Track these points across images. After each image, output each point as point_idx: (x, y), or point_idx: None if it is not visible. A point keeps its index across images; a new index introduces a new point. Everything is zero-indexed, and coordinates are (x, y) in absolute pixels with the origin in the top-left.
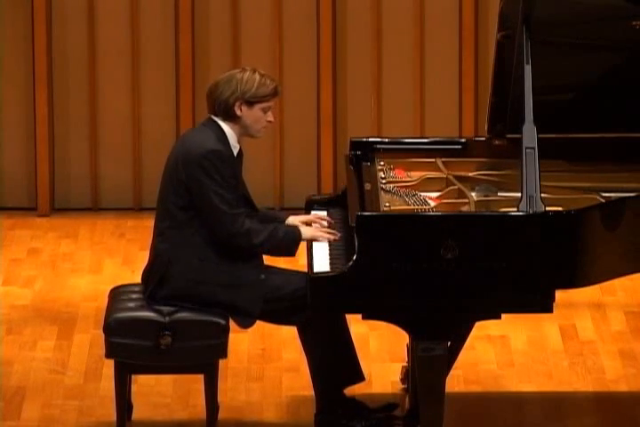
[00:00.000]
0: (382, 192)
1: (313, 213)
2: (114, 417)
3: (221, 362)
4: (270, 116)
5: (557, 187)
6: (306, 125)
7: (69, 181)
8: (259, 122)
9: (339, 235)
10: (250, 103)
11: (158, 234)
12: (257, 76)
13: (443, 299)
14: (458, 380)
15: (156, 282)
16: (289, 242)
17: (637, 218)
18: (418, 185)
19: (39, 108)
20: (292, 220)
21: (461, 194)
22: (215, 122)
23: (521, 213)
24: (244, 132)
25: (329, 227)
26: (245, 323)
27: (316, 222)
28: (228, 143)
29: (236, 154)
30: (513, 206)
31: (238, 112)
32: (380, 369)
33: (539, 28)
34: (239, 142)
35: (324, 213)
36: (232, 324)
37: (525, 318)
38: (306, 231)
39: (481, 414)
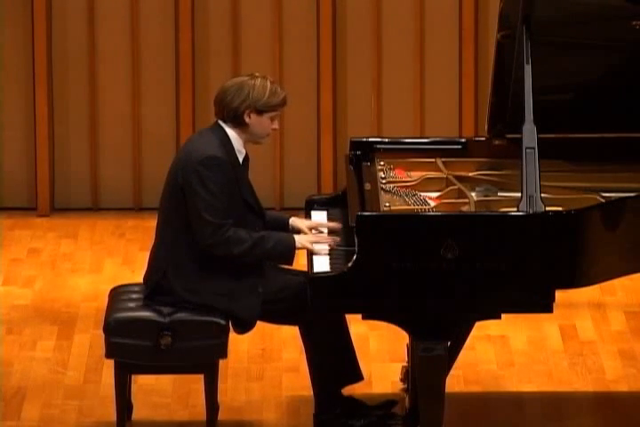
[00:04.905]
0: (382, 192)
1: (313, 213)
2: (114, 417)
3: (221, 362)
4: (276, 124)
5: (557, 187)
6: (306, 125)
7: (69, 181)
8: (265, 130)
9: (338, 240)
10: (260, 112)
11: (158, 238)
12: (268, 85)
13: (443, 299)
14: (458, 380)
15: (153, 288)
16: (280, 252)
17: (637, 218)
18: (418, 185)
19: (39, 108)
20: (296, 222)
21: (461, 194)
22: (222, 127)
23: (521, 213)
24: (250, 139)
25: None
26: (241, 330)
27: (317, 228)
28: (233, 149)
29: (241, 159)
30: (513, 206)
31: (247, 119)
32: (380, 369)
33: (539, 28)
34: (245, 148)
35: (323, 214)
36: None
37: (525, 318)
38: (301, 239)
39: (481, 414)
